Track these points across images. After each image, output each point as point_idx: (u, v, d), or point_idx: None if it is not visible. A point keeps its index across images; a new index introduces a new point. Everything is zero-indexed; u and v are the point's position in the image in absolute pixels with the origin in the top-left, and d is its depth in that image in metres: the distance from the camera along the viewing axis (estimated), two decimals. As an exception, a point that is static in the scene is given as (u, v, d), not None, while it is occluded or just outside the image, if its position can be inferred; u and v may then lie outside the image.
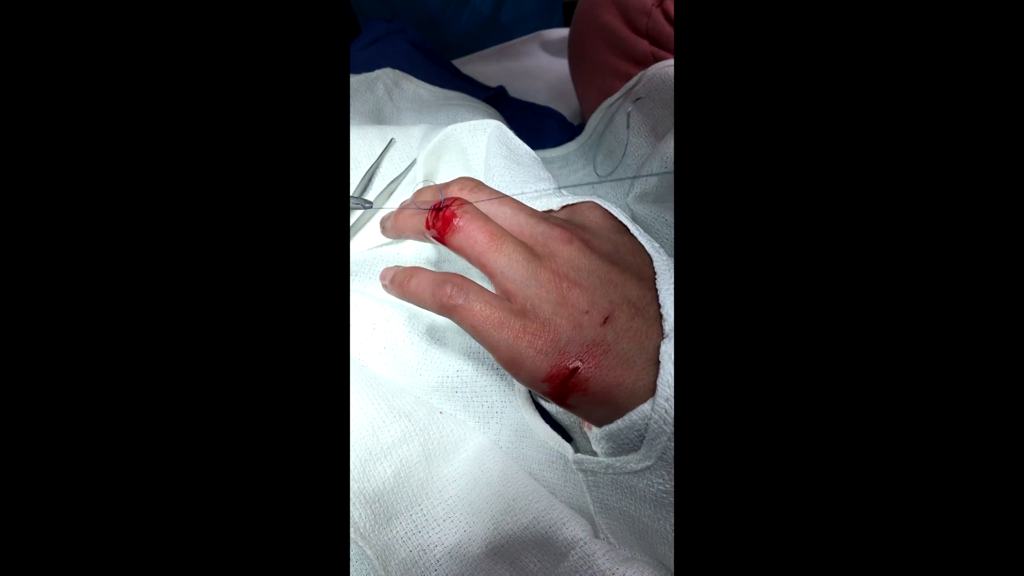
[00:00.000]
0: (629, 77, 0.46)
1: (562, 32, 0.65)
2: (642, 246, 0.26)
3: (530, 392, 0.32)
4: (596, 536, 0.28)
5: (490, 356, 0.32)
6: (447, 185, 0.28)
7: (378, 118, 0.48)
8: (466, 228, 0.25)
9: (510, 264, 0.24)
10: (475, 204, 0.26)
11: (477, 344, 0.33)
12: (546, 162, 0.49)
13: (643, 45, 0.48)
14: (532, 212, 0.27)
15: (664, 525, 0.24)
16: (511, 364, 0.24)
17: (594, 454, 0.26)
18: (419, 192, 0.30)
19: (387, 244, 0.37)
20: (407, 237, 0.29)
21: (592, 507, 0.27)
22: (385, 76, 0.50)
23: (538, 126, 0.56)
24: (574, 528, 0.27)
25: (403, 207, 0.29)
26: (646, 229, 0.35)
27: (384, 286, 0.28)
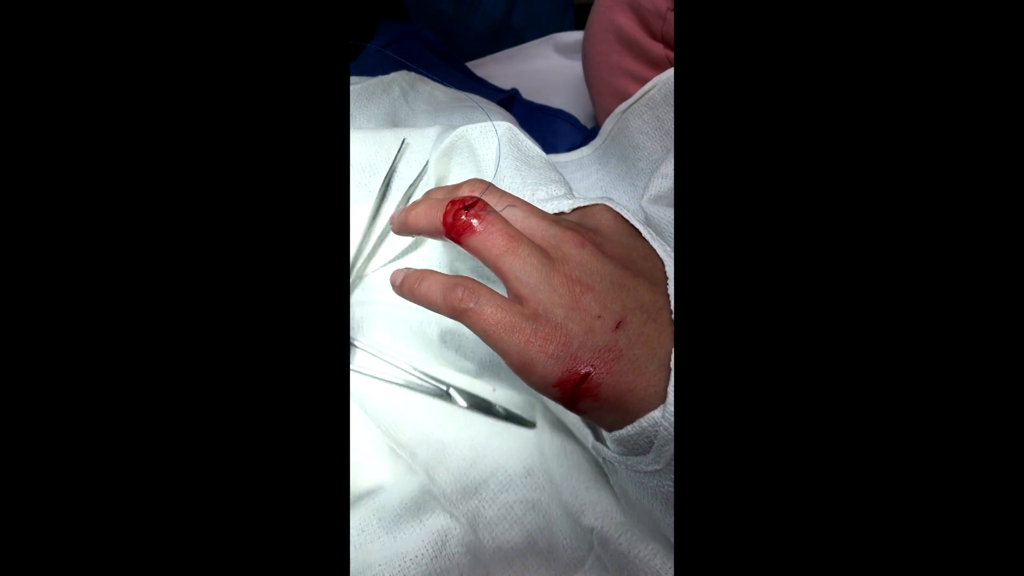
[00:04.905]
0: (644, 80, 0.46)
1: (576, 35, 0.65)
2: (654, 250, 0.26)
3: None
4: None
5: None
6: (458, 187, 0.28)
7: (393, 120, 0.48)
8: (484, 230, 0.25)
9: (525, 268, 0.24)
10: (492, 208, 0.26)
11: None
12: (560, 166, 0.49)
13: (658, 49, 0.48)
14: (544, 215, 0.27)
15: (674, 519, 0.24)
16: (522, 369, 0.24)
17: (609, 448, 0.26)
18: (430, 192, 0.30)
19: (407, 254, 0.38)
20: (417, 234, 0.29)
21: (615, 488, 0.28)
22: (401, 79, 0.50)
23: (551, 128, 0.56)
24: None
25: (415, 203, 0.29)
26: (660, 232, 0.35)
27: (395, 289, 0.28)
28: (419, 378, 0.32)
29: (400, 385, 0.32)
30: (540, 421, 0.32)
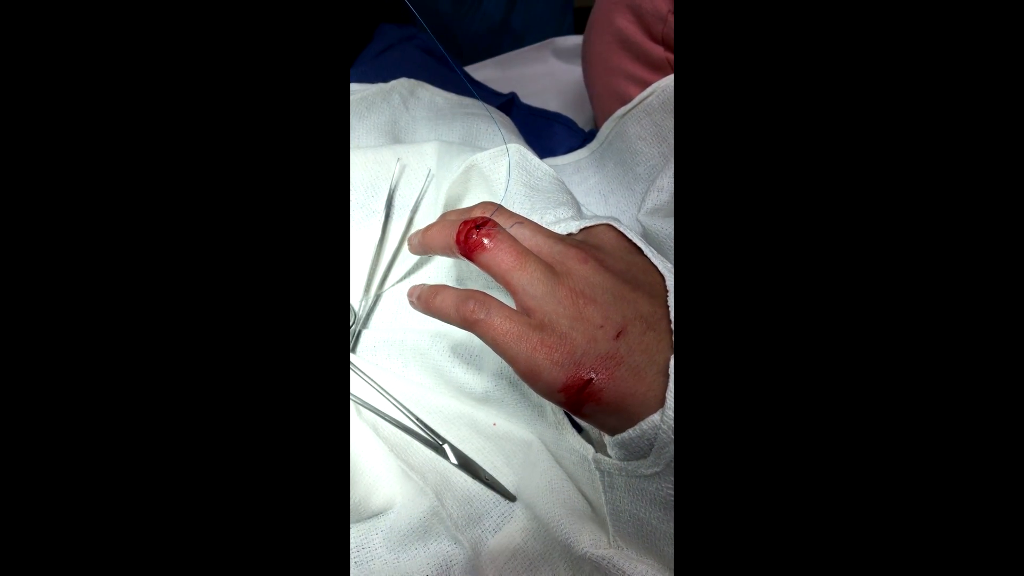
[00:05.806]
0: (644, 82, 0.46)
1: (575, 40, 0.65)
2: (654, 265, 0.28)
3: None
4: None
5: None
6: (471, 209, 0.30)
7: (393, 128, 0.48)
8: (494, 247, 0.27)
9: (532, 282, 0.26)
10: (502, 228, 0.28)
11: None
12: (558, 169, 0.50)
13: (659, 51, 0.48)
14: (550, 233, 0.28)
15: (671, 527, 0.26)
16: (529, 375, 0.25)
17: (610, 456, 0.27)
18: (445, 214, 0.32)
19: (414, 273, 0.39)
20: (433, 253, 0.31)
21: (605, 508, 0.29)
22: (400, 86, 0.50)
23: (549, 132, 0.57)
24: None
25: (431, 225, 0.31)
26: (657, 243, 0.36)
27: (411, 303, 0.30)
28: (419, 428, 0.33)
29: (403, 429, 0.34)
30: (535, 452, 0.34)
